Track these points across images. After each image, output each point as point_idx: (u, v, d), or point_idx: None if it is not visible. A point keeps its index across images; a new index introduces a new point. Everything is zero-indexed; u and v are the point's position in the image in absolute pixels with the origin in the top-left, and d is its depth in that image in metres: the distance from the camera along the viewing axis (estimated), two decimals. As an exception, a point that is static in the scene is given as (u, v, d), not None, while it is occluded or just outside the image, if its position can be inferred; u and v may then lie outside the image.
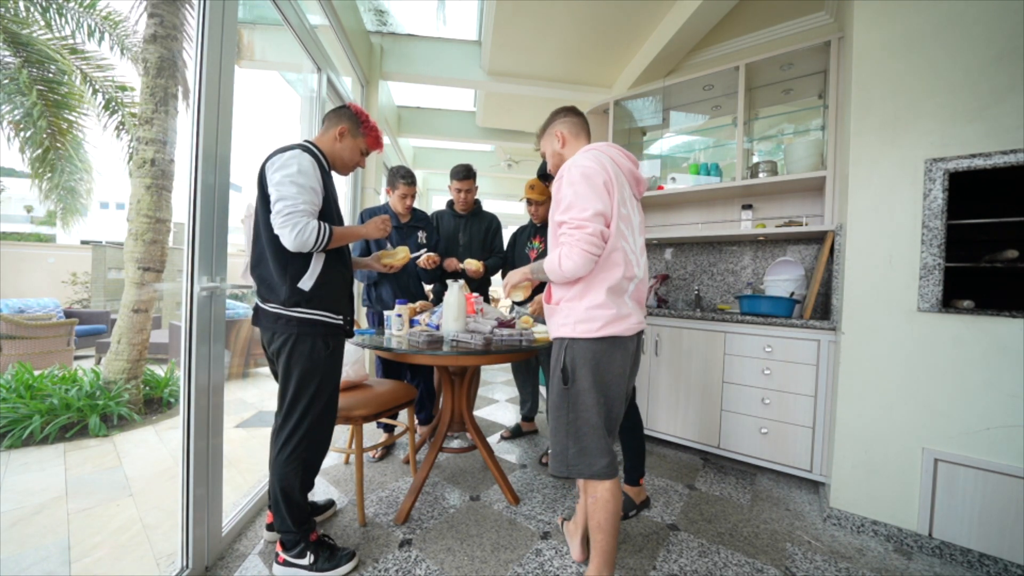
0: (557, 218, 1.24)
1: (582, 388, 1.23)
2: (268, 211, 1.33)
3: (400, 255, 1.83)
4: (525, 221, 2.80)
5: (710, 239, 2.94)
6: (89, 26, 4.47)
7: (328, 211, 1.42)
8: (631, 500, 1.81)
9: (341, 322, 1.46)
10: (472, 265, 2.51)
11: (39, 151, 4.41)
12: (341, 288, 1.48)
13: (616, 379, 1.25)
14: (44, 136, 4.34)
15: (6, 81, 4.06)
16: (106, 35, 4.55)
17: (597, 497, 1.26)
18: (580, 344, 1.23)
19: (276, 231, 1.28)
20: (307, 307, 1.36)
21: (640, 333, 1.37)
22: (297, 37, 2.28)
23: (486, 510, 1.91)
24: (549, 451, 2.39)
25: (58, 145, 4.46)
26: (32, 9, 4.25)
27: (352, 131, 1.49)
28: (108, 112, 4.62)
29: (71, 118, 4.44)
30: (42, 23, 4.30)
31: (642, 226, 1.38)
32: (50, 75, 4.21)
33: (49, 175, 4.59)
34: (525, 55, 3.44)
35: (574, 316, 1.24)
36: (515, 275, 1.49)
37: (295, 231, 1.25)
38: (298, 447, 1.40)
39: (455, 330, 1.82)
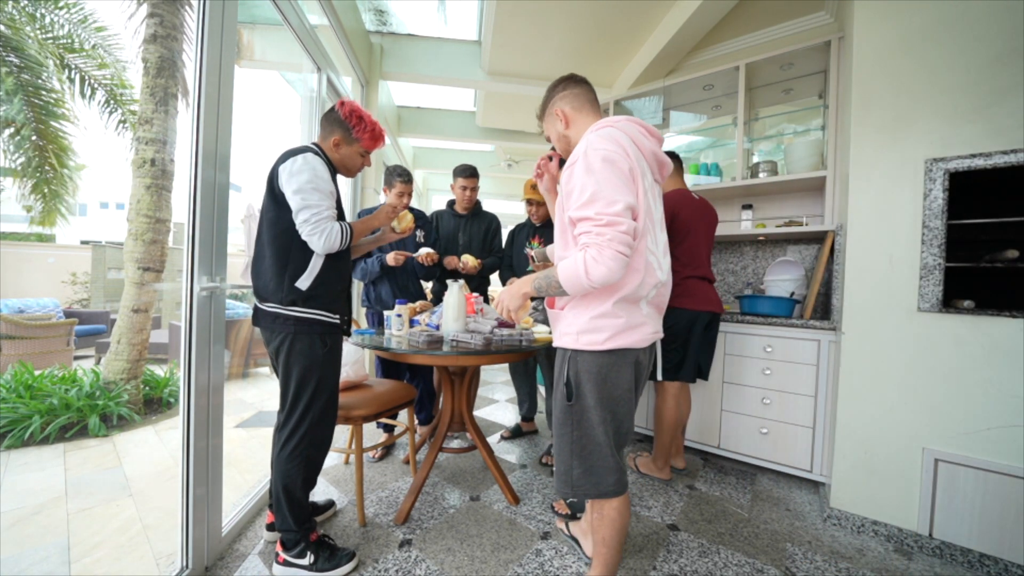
0: (573, 214, 1.02)
1: (587, 405, 1.10)
2: (274, 211, 1.36)
3: (407, 219, 1.82)
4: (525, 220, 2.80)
5: (710, 239, 2.94)
6: (78, 36, 4.49)
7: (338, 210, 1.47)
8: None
9: (338, 321, 1.47)
10: (470, 262, 2.52)
11: (24, 157, 4.41)
12: (339, 288, 1.48)
13: (625, 394, 1.12)
14: (30, 145, 4.35)
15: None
16: (88, 40, 4.57)
17: (604, 515, 1.17)
18: (584, 357, 1.09)
19: (304, 238, 1.33)
20: (304, 306, 1.38)
21: (655, 343, 1.23)
22: (297, 37, 2.28)
23: (486, 510, 1.91)
24: (551, 453, 2.39)
25: (47, 155, 4.47)
26: (21, 10, 4.25)
27: (346, 139, 1.46)
28: (108, 111, 4.63)
29: (58, 126, 4.44)
30: (34, 26, 4.31)
31: (664, 219, 1.19)
32: (37, 80, 4.21)
33: (34, 177, 4.59)
34: (525, 55, 3.43)
35: (577, 325, 1.09)
36: (513, 298, 1.21)
37: (323, 237, 1.32)
38: (300, 444, 1.41)
39: (455, 330, 1.82)
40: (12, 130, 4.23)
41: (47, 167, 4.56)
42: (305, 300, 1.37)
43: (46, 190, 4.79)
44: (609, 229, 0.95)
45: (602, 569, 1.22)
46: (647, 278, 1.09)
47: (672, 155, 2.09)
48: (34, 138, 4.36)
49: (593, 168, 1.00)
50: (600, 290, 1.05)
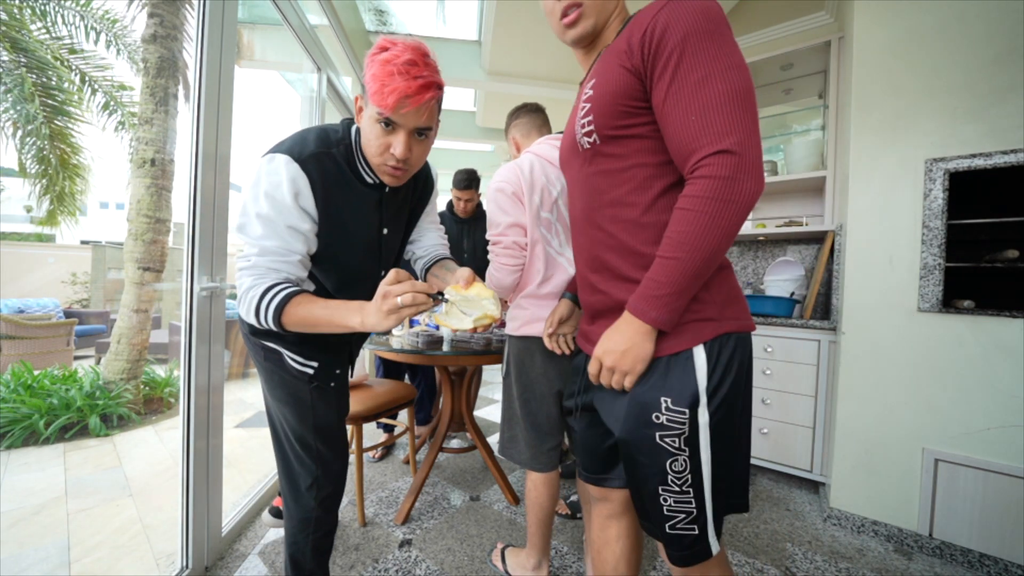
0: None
1: (512, 380, 1.33)
2: None
3: (486, 315, 0.86)
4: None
5: (710, 239, 2.94)
6: (86, 27, 4.49)
7: (333, 242, 0.93)
8: None
9: (312, 371, 1.00)
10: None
11: (39, 158, 4.42)
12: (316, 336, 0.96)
13: (538, 378, 1.28)
14: (44, 144, 4.36)
15: (10, 85, 4.07)
16: (103, 34, 4.57)
17: (527, 484, 1.36)
18: (511, 340, 1.34)
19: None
20: (264, 339, 0.99)
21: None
22: (297, 37, 2.28)
23: (486, 510, 1.91)
24: None
25: (58, 152, 4.47)
26: (28, 9, 4.26)
27: (364, 98, 0.88)
28: (107, 112, 4.64)
29: (70, 124, 4.45)
30: (39, 25, 4.31)
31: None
32: (49, 81, 4.22)
33: (45, 179, 4.59)
34: (525, 55, 3.43)
35: (508, 315, 1.35)
36: None
37: (239, 295, 0.86)
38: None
39: (455, 330, 1.82)
40: (30, 129, 4.24)
41: (61, 166, 4.57)
42: (267, 334, 0.97)
43: (61, 188, 4.78)
44: (495, 247, 1.25)
45: (528, 538, 1.39)
46: (556, 277, 1.25)
47: None
48: (46, 143, 4.37)
49: (489, 200, 1.29)
50: (516, 289, 1.31)
